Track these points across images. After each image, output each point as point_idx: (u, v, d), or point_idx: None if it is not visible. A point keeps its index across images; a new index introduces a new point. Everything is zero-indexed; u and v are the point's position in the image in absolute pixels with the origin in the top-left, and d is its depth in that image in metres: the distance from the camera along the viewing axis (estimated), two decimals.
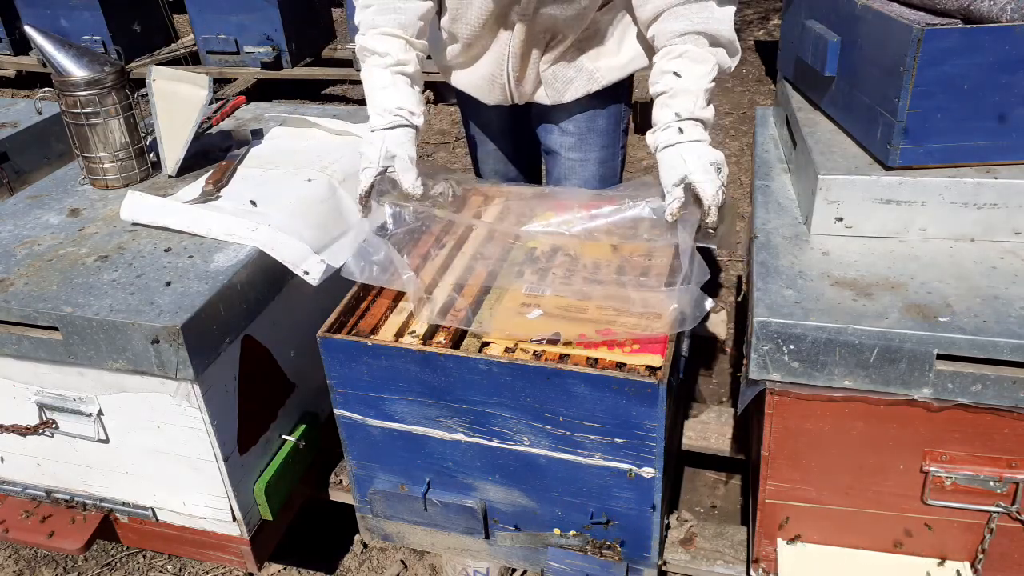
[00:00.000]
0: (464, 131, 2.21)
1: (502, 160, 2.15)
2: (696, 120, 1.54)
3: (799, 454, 1.39)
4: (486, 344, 1.43)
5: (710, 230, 1.50)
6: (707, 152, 1.52)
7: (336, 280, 1.60)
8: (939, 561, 1.44)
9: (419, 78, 1.71)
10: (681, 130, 1.52)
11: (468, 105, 2.04)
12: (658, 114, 1.58)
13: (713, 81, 1.57)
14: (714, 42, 1.57)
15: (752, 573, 1.55)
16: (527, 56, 1.81)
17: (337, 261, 1.66)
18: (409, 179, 1.62)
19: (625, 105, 1.98)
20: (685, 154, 1.50)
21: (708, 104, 1.57)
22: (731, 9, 1.58)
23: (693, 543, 1.64)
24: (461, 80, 1.93)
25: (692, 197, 1.50)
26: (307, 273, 1.63)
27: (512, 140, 2.11)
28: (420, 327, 1.48)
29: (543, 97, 1.89)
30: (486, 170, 2.17)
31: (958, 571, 1.42)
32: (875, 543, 1.45)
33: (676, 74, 1.55)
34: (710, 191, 1.47)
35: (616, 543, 1.51)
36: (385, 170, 1.62)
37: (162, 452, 1.61)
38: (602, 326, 1.43)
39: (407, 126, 1.64)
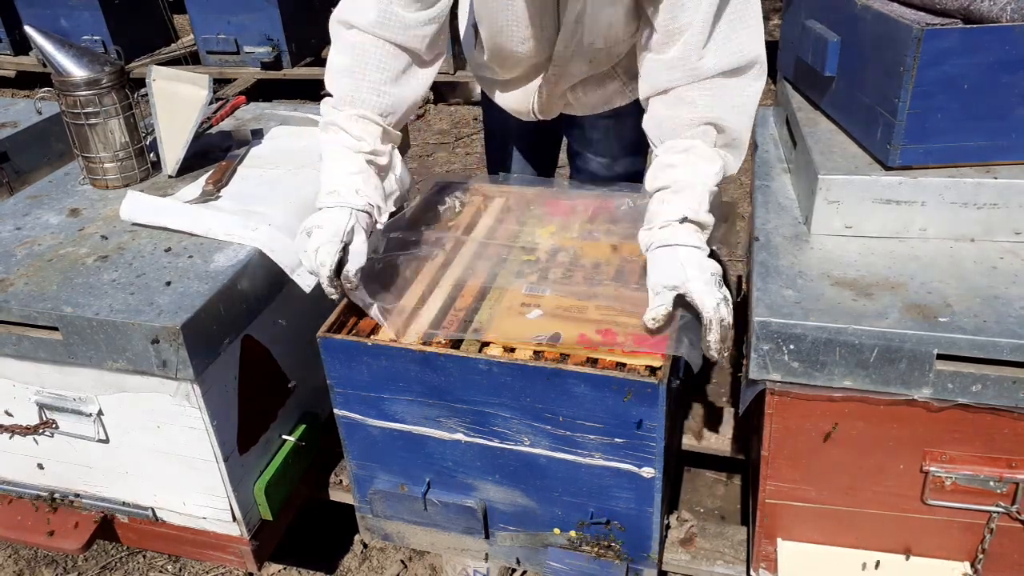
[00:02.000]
0: (483, 124, 2.21)
1: (519, 159, 2.13)
2: (697, 224, 1.38)
3: (799, 454, 1.39)
4: (486, 344, 1.43)
5: (710, 352, 1.30)
6: (707, 262, 1.35)
7: None
8: (939, 561, 1.44)
9: (384, 171, 1.57)
10: (680, 232, 1.37)
11: (488, 102, 2.03)
12: (656, 209, 1.42)
13: (717, 185, 1.43)
14: (725, 141, 1.43)
15: (752, 573, 1.55)
16: (555, 92, 1.81)
17: None
18: (357, 263, 1.43)
19: None
20: (684, 260, 1.34)
21: (709, 209, 1.42)
22: (754, 90, 1.41)
23: (693, 543, 1.64)
24: (486, 77, 1.92)
25: (687, 309, 1.35)
26: (300, 279, 1.63)
27: (532, 139, 2.10)
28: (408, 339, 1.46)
29: (572, 111, 1.89)
30: (502, 166, 2.17)
31: (958, 571, 1.42)
32: (875, 543, 1.45)
33: (679, 168, 1.41)
34: (710, 303, 1.29)
35: (616, 543, 1.51)
36: (346, 246, 1.42)
37: (162, 452, 1.60)
38: (602, 326, 1.43)
39: (370, 216, 1.49)
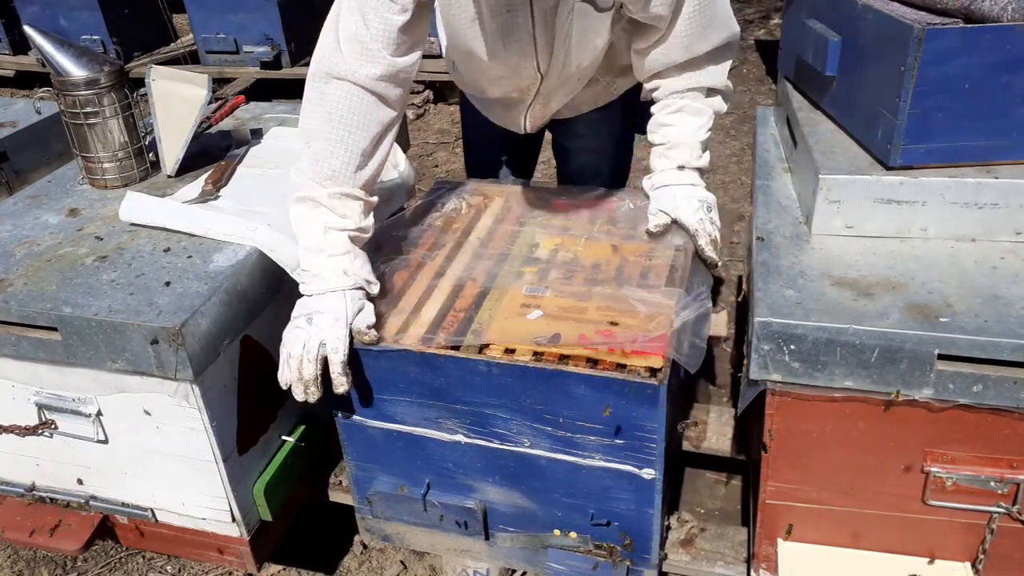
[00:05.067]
0: (462, 129, 2.21)
1: (498, 163, 2.13)
2: (693, 169, 1.63)
3: (800, 454, 1.39)
4: (486, 345, 1.42)
5: (706, 255, 1.58)
6: (696, 192, 1.61)
7: None
8: (939, 561, 1.43)
9: (367, 243, 1.54)
10: (677, 175, 1.62)
11: (470, 105, 2.03)
12: (656, 163, 1.67)
13: (709, 130, 1.64)
14: (711, 93, 1.63)
15: (752, 573, 1.55)
16: (546, 113, 1.83)
17: None
18: (367, 321, 1.43)
19: (634, 100, 1.96)
20: (677, 193, 1.61)
21: (705, 151, 1.64)
22: (728, 64, 1.62)
23: (693, 544, 1.64)
24: (473, 94, 1.93)
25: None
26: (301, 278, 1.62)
27: (513, 144, 2.10)
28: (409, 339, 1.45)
29: (560, 115, 1.89)
30: (480, 171, 2.15)
31: (958, 571, 1.42)
32: (875, 543, 1.45)
33: (674, 127, 1.62)
34: (693, 219, 1.58)
35: (616, 544, 1.51)
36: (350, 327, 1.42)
37: (161, 452, 1.60)
38: (602, 327, 1.43)
39: (365, 292, 1.47)
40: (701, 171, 1.65)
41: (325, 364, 1.39)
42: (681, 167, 1.62)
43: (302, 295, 1.46)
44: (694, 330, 1.37)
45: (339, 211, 1.45)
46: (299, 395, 1.41)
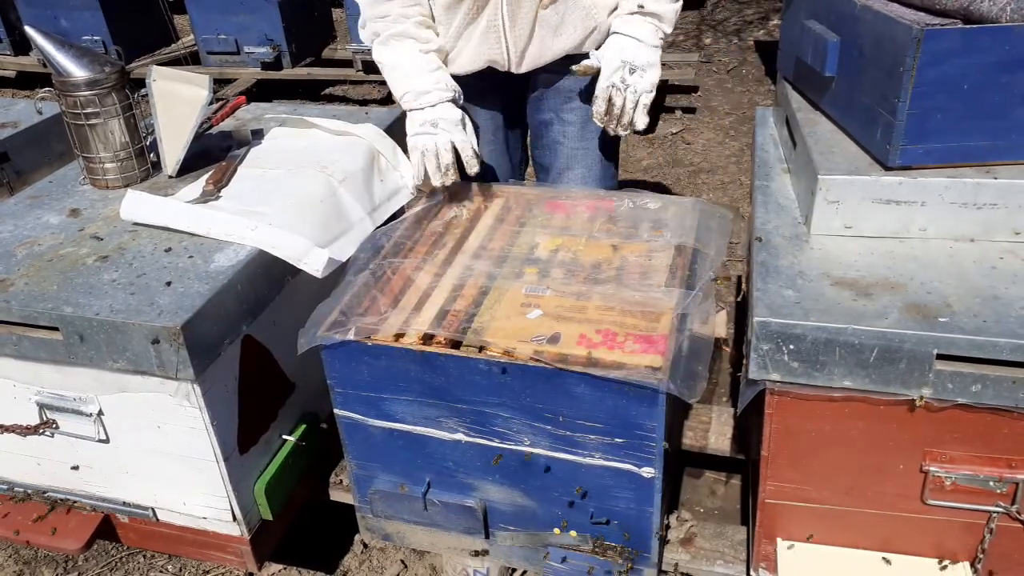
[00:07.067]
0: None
1: (491, 159, 2.15)
2: (649, 15, 1.74)
3: (799, 454, 1.39)
4: (486, 344, 1.42)
5: (594, 117, 1.74)
6: (635, 50, 1.72)
7: (336, 281, 1.60)
8: (939, 561, 1.44)
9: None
10: (630, 23, 1.74)
11: (469, 103, 2.04)
12: (621, 3, 1.79)
13: None
14: None
15: (752, 573, 1.55)
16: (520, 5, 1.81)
17: (339, 257, 1.67)
18: (475, 142, 1.82)
19: None
20: (620, 45, 1.73)
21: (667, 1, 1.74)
22: None
23: (693, 543, 1.64)
24: (460, 61, 1.92)
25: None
26: (309, 265, 1.62)
27: (501, 137, 2.12)
28: (410, 336, 1.46)
29: (535, 53, 1.86)
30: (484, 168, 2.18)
31: (958, 571, 1.43)
32: (874, 543, 1.45)
33: None
34: (602, 85, 1.72)
35: (616, 543, 1.51)
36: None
37: (162, 452, 1.61)
38: (602, 326, 1.43)
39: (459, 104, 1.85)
40: (660, 18, 1.74)
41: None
42: (641, 7, 1.73)
43: (413, 109, 1.81)
44: (693, 357, 1.35)
45: (422, 36, 1.81)
46: (437, 181, 1.80)
